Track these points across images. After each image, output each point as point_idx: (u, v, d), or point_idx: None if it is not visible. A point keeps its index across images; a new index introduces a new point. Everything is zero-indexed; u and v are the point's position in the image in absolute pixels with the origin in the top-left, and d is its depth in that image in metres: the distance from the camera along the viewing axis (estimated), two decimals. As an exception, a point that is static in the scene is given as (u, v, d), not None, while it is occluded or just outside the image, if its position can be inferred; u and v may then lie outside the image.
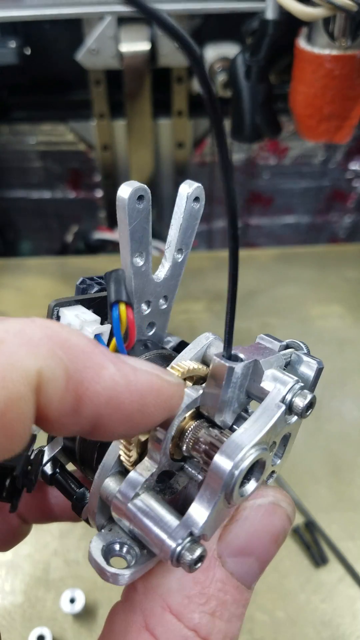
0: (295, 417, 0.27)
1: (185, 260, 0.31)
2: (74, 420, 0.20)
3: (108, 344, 0.28)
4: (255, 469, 0.25)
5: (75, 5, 0.89)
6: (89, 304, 0.29)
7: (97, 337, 0.28)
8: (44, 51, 0.97)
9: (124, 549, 0.26)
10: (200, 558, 0.23)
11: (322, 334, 0.90)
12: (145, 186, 0.26)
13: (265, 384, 0.26)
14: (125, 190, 0.26)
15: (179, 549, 0.23)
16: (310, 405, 0.26)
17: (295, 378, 0.26)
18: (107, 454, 0.27)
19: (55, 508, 0.35)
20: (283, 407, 0.26)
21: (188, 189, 0.29)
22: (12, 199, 1.18)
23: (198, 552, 0.23)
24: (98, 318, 0.28)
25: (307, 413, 0.26)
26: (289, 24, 0.74)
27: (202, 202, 0.30)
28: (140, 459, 0.27)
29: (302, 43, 0.75)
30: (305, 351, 0.28)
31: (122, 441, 0.26)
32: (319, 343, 0.88)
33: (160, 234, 1.25)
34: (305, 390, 0.26)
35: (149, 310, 0.31)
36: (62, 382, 0.19)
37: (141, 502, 0.25)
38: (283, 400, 0.26)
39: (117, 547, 0.26)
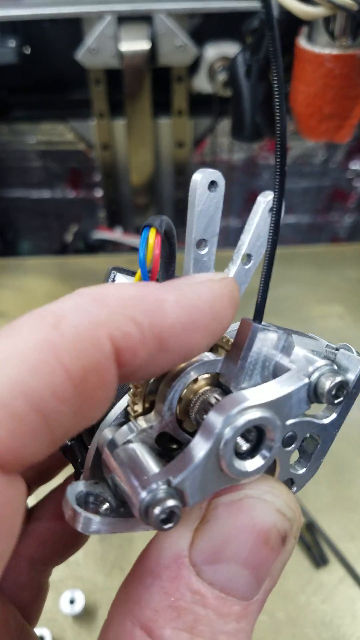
0: (327, 419, 0.25)
1: (253, 269, 0.29)
2: (164, 357, 0.21)
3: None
4: (263, 442, 0.22)
5: (75, 4, 0.88)
6: None
7: None
8: (43, 50, 0.97)
9: (103, 507, 0.24)
10: (171, 513, 0.20)
11: (323, 334, 0.89)
12: (220, 174, 0.26)
13: (292, 365, 0.24)
14: (198, 175, 0.26)
15: (148, 497, 0.20)
16: (339, 388, 0.23)
17: (329, 361, 0.24)
18: (115, 407, 0.26)
19: None
20: (305, 380, 0.23)
21: (264, 199, 0.29)
22: (11, 199, 1.17)
23: (169, 503, 0.20)
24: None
25: (336, 401, 0.23)
26: (290, 23, 0.74)
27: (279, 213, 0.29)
28: (147, 413, 0.26)
29: (302, 42, 0.75)
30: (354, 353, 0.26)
31: (131, 388, 0.25)
32: (319, 343, 0.88)
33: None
34: (337, 374, 0.23)
35: None
36: (137, 333, 0.20)
37: (129, 450, 0.23)
38: (308, 378, 0.23)
39: (91, 499, 0.24)
